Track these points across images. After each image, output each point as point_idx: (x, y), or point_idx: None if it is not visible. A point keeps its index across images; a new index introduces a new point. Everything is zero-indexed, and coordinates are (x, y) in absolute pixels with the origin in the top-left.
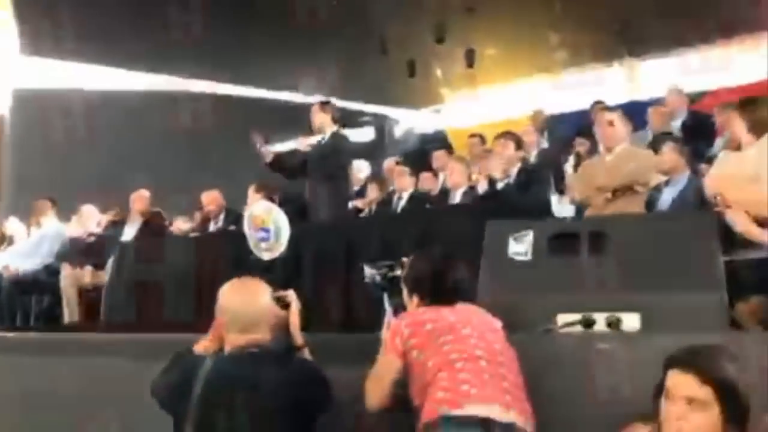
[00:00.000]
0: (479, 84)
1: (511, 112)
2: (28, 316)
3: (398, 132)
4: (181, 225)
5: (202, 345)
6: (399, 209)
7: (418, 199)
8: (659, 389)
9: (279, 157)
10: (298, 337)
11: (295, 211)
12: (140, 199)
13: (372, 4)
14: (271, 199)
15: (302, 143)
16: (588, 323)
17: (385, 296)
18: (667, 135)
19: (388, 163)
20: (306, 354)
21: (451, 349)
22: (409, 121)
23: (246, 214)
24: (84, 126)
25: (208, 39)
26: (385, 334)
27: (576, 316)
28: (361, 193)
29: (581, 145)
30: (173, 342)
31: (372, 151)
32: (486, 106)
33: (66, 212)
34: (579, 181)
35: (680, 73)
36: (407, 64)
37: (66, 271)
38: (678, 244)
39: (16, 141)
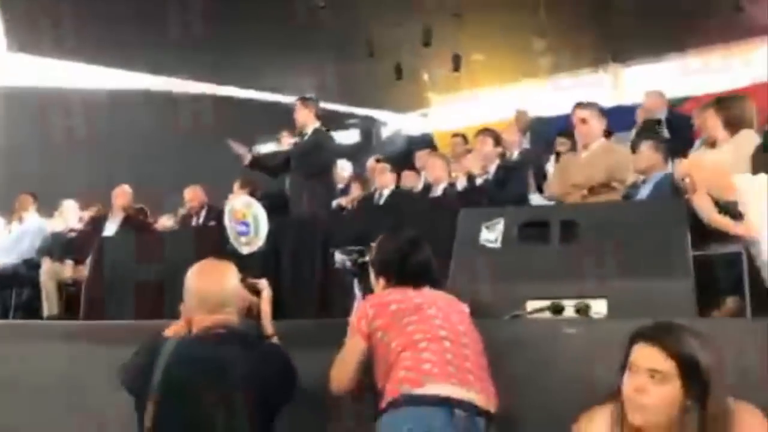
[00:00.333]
0: (466, 88)
1: (497, 115)
2: (7, 310)
3: (385, 134)
4: (165, 222)
5: (172, 329)
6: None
7: (398, 195)
8: (624, 365)
9: (260, 158)
10: (269, 326)
11: (277, 206)
12: (122, 194)
13: (359, 8)
14: (254, 195)
15: (285, 141)
16: (557, 309)
17: (356, 282)
18: (653, 122)
19: (370, 161)
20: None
21: (415, 330)
22: (396, 124)
23: (227, 207)
24: (75, 124)
25: (197, 41)
26: (352, 318)
27: (545, 303)
28: (345, 192)
29: (562, 144)
30: (149, 328)
31: (358, 153)
32: (472, 109)
33: (49, 208)
34: (555, 177)
35: (664, 78)
36: (394, 68)
37: (46, 266)
38: (647, 232)
39: (7, 139)
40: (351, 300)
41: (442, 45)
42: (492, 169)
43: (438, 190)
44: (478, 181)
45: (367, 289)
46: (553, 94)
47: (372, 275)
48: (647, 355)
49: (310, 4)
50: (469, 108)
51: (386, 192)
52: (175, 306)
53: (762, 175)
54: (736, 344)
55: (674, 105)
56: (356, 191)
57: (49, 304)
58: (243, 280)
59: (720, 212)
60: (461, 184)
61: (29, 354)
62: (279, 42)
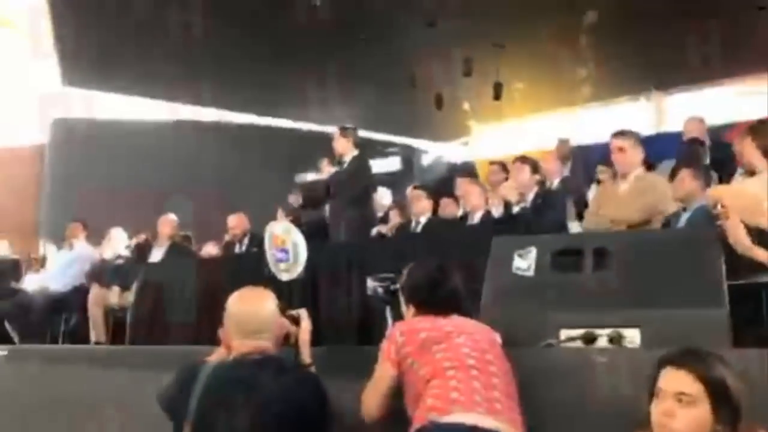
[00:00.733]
0: (507, 117)
1: (539, 144)
2: (56, 336)
3: (426, 162)
4: (209, 249)
5: (215, 355)
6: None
7: (434, 223)
8: (652, 393)
9: (304, 187)
10: (307, 355)
11: (317, 233)
12: (167, 223)
13: (401, 39)
14: (296, 222)
15: (325, 169)
16: (589, 338)
17: (388, 309)
18: (696, 143)
19: (409, 189)
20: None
21: (443, 357)
22: (437, 152)
23: (266, 233)
24: (119, 154)
25: (242, 74)
26: (383, 344)
27: (578, 332)
28: (384, 220)
29: (603, 173)
30: (192, 353)
31: (399, 181)
32: (513, 138)
33: (98, 236)
34: (592, 210)
35: (707, 105)
36: (435, 98)
37: (94, 292)
38: (681, 261)
39: (60, 168)
40: (385, 327)
41: (482, 74)
42: (530, 197)
43: (475, 218)
44: (515, 209)
45: (399, 316)
46: (594, 122)
47: (402, 302)
48: (674, 379)
49: (353, 37)
50: (510, 136)
51: (423, 219)
52: (216, 332)
53: None
54: None
55: (717, 132)
56: (395, 219)
57: (97, 330)
58: (283, 311)
59: (754, 241)
60: (498, 211)
61: (78, 377)
62: (323, 73)
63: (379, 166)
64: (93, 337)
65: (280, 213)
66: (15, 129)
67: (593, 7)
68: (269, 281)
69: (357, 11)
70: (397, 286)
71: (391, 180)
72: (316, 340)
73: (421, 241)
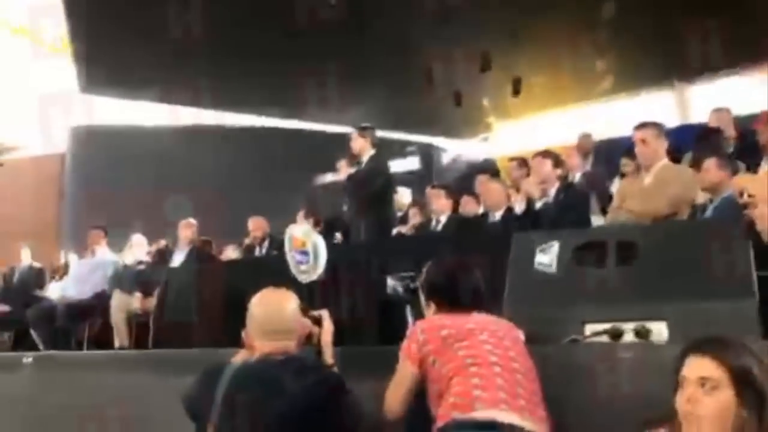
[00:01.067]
0: (527, 112)
1: (560, 138)
2: (80, 342)
3: (445, 161)
4: (229, 253)
5: (238, 356)
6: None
7: (455, 221)
8: (677, 385)
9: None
10: (329, 356)
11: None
12: (187, 227)
13: (417, 36)
14: (317, 225)
15: (343, 170)
16: (616, 333)
17: (408, 307)
18: (713, 132)
19: (428, 188)
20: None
21: (466, 355)
22: (457, 150)
23: (286, 235)
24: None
25: (257, 74)
26: (404, 343)
27: (604, 326)
28: (404, 219)
29: (626, 165)
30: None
31: (418, 180)
32: (534, 133)
33: (119, 242)
34: (616, 203)
35: (731, 95)
36: (453, 95)
37: (116, 298)
38: (708, 252)
39: (81, 175)
40: (406, 326)
41: (501, 69)
42: (552, 192)
43: (496, 216)
44: (538, 204)
45: (419, 315)
46: (616, 115)
47: (423, 300)
48: (697, 365)
49: (370, 36)
50: (531, 132)
51: (443, 218)
52: (239, 334)
53: None
54: None
55: (743, 122)
56: (415, 218)
57: (120, 335)
58: (306, 311)
59: None
60: (520, 208)
61: (103, 382)
62: (340, 74)
63: (398, 165)
64: (116, 342)
65: (299, 215)
66: (35, 137)
67: None
68: (290, 282)
69: (372, 9)
70: (417, 284)
71: (411, 179)
72: (336, 340)
73: (441, 239)
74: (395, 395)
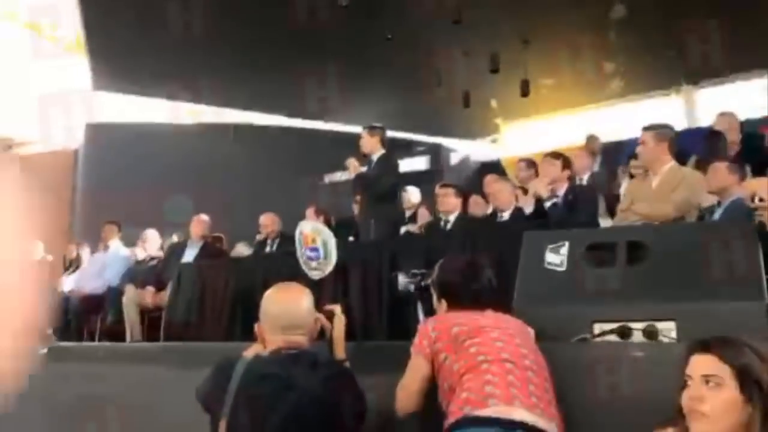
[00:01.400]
0: (535, 113)
1: (568, 140)
2: (92, 335)
3: (454, 161)
4: (240, 249)
5: (251, 350)
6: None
7: (464, 220)
8: (683, 385)
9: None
10: (341, 351)
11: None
12: (200, 223)
13: (427, 37)
14: (327, 222)
15: (352, 168)
16: (624, 333)
17: (419, 304)
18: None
19: (437, 187)
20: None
21: (478, 351)
22: (465, 151)
23: (297, 231)
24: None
25: (267, 73)
26: (415, 339)
27: (612, 325)
28: (413, 218)
29: (635, 167)
30: (226, 350)
31: (427, 180)
32: (542, 135)
33: (132, 237)
34: (624, 205)
35: (740, 99)
36: (462, 96)
37: (129, 293)
38: (717, 253)
39: (94, 171)
40: (416, 323)
41: (510, 71)
42: (561, 193)
43: (505, 216)
44: (546, 204)
45: (430, 312)
46: (624, 117)
47: (434, 297)
48: (701, 363)
49: (379, 36)
50: (539, 133)
51: (452, 217)
52: (250, 329)
53: None
54: None
55: (751, 125)
56: (424, 217)
57: (132, 330)
58: (318, 307)
59: None
60: (528, 208)
61: (115, 375)
62: (349, 74)
63: (407, 165)
64: (129, 336)
65: (309, 212)
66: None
67: (621, 0)
68: (301, 278)
69: (382, 9)
70: (429, 281)
71: (420, 178)
72: (346, 336)
73: (452, 238)
74: (406, 392)
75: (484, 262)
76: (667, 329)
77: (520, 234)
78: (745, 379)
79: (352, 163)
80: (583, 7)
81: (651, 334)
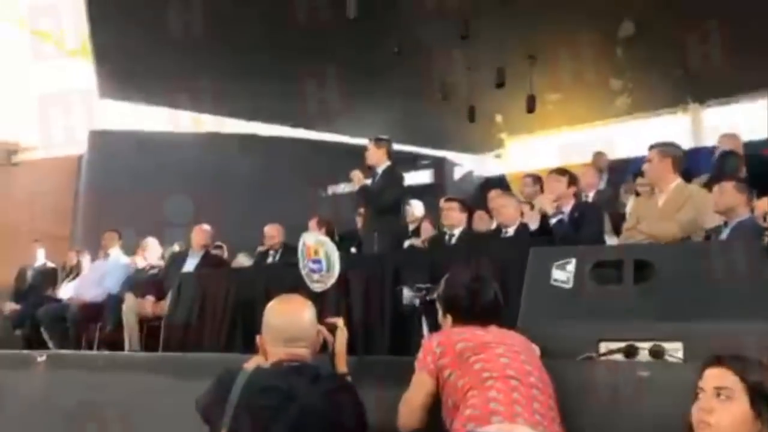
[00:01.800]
0: (540, 129)
1: (574, 157)
2: (91, 343)
3: (458, 175)
4: (241, 260)
5: (252, 362)
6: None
7: (469, 235)
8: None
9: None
10: (342, 364)
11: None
12: (201, 232)
13: (433, 51)
14: (330, 234)
15: (357, 179)
16: (630, 352)
17: (424, 319)
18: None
19: (441, 201)
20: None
21: (482, 368)
22: (470, 165)
23: (299, 243)
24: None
25: (272, 84)
26: (419, 354)
27: (618, 344)
28: (416, 233)
29: (641, 185)
30: (226, 361)
31: (431, 193)
32: (548, 150)
33: (133, 245)
34: (629, 223)
35: (745, 119)
36: (467, 111)
37: (129, 301)
38: (725, 273)
39: (97, 178)
40: (421, 338)
41: (516, 86)
42: (566, 209)
43: (510, 231)
44: (552, 221)
45: (435, 327)
46: (630, 135)
47: (440, 312)
48: (713, 376)
49: (386, 49)
50: (544, 149)
51: (457, 231)
52: (250, 340)
53: None
54: None
55: (755, 146)
56: (427, 231)
57: (131, 339)
58: (320, 319)
59: None
60: (533, 224)
61: (113, 383)
62: (355, 86)
63: (410, 178)
64: (127, 345)
65: (312, 223)
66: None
67: (629, 18)
68: (303, 290)
69: (390, 23)
70: (434, 296)
71: (423, 192)
72: (348, 349)
73: (456, 252)
74: (409, 407)
75: (489, 277)
76: (674, 349)
77: (525, 250)
78: (756, 396)
79: (357, 175)
80: (591, 24)
81: (657, 353)
